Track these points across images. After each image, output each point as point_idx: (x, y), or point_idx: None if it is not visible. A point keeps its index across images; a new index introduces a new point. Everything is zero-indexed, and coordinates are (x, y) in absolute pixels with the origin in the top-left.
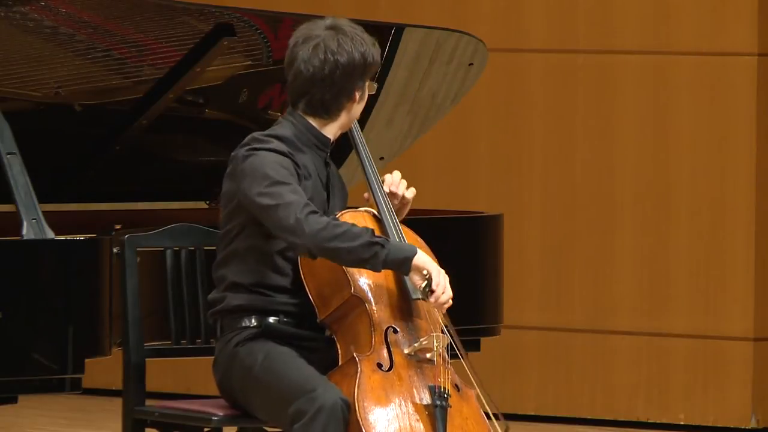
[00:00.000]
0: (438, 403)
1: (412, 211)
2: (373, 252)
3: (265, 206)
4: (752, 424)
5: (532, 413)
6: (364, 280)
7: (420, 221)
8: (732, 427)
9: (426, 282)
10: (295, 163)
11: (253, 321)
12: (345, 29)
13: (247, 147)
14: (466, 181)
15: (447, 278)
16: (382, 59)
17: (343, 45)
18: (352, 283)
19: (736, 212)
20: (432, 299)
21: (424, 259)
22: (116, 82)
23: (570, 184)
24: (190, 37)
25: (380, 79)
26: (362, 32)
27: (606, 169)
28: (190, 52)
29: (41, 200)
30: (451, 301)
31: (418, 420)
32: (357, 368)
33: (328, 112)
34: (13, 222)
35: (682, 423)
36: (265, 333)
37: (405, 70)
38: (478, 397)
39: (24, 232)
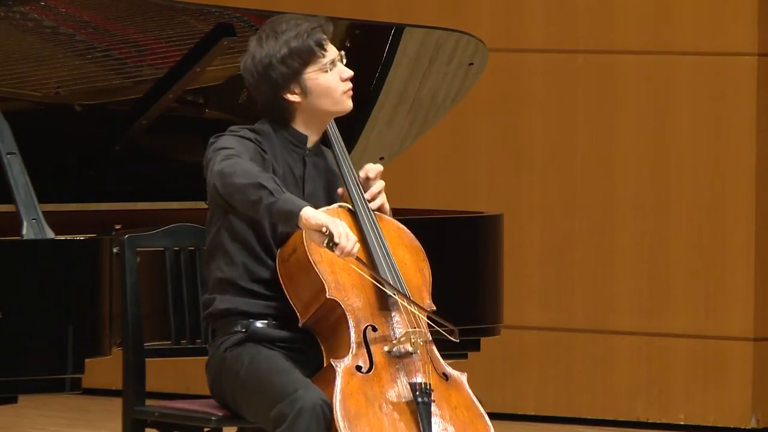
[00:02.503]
0: (420, 399)
1: (412, 212)
2: (258, 196)
3: (204, 168)
4: (752, 424)
5: (532, 413)
6: (339, 281)
7: (420, 221)
8: (732, 427)
9: (327, 238)
10: (262, 150)
11: (240, 326)
12: (260, 33)
13: (215, 135)
14: (466, 181)
15: (343, 223)
16: (382, 59)
17: (249, 50)
18: (326, 286)
19: (736, 212)
20: (338, 252)
21: (312, 213)
22: (116, 82)
23: (570, 184)
24: (190, 37)
25: (380, 79)
26: (276, 30)
27: (606, 169)
28: (190, 52)
29: (41, 200)
30: (357, 245)
31: (400, 420)
32: (335, 374)
33: (273, 115)
34: (13, 222)
35: (682, 423)
36: (251, 338)
37: (405, 70)
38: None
39: (24, 232)
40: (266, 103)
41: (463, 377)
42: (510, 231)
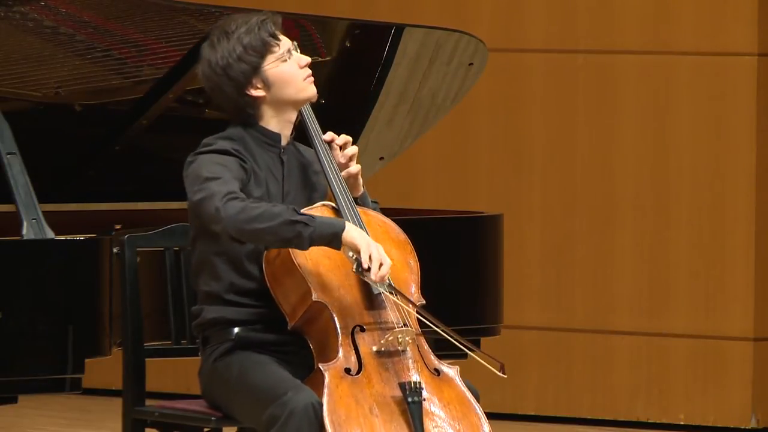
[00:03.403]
0: (410, 399)
1: (412, 212)
2: (296, 231)
3: (196, 203)
4: (752, 424)
5: (532, 413)
6: (325, 283)
7: (420, 221)
8: (732, 427)
9: (356, 263)
10: (242, 159)
11: (228, 334)
12: (210, 37)
13: (192, 153)
14: (466, 181)
15: (379, 247)
16: (382, 59)
17: (203, 56)
18: (312, 288)
19: (736, 212)
20: (372, 276)
21: (353, 233)
22: (116, 82)
23: (570, 184)
24: (190, 37)
25: (380, 79)
26: (226, 30)
27: (606, 169)
28: (190, 52)
29: (41, 200)
30: (389, 270)
31: (391, 421)
32: (324, 379)
33: (241, 116)
34: (13, 222)
35: (682, 423)
36: (239, 345)
37: (405, 70)
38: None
39: (24, 232)
40: (232, 105)
41: (454, 371)
42: (510, 231)
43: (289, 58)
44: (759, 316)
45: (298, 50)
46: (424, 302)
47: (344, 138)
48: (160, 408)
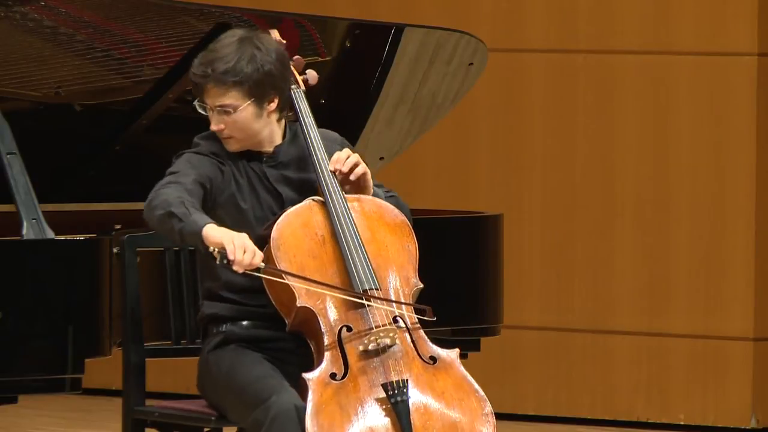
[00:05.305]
0: (392, 400)
1: (412, 212)
2: (170, 225)
3: None
4: (752, 424)
5: (532, 413)
6: (310, 287)
7: (420, 221)
8: (732, 427)
9: (219, 256)
10: (219, 161)
11: (221, 328)
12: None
13: (177, 153)
14: (466, 181)
15: (243, 236)
16: (382, 59)
17: None
18: (296, 293)
19: (736, 212)
20: (236, 267)
21: (213, 232)
22: (116, 82)
23: (570, 184)
24: (190, 37)
25: (380, 79)
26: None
27: (606, 169)
28: (190, 52)
29: (41, 200)
30: (257, 255)
31: (378, 422)
32: (308, 388)
33: None
34: (13, 222)
35: (682, 423)
36: (230, 339)
37: (405, 70)
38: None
39: (24, 232)
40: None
41: (453, 355)
42: (510, 231)
43: (208, 111)
44: (759, 316)
45: (220, 114)
46: (421, 286)
47: (337, 161)
48: (160, 408)
